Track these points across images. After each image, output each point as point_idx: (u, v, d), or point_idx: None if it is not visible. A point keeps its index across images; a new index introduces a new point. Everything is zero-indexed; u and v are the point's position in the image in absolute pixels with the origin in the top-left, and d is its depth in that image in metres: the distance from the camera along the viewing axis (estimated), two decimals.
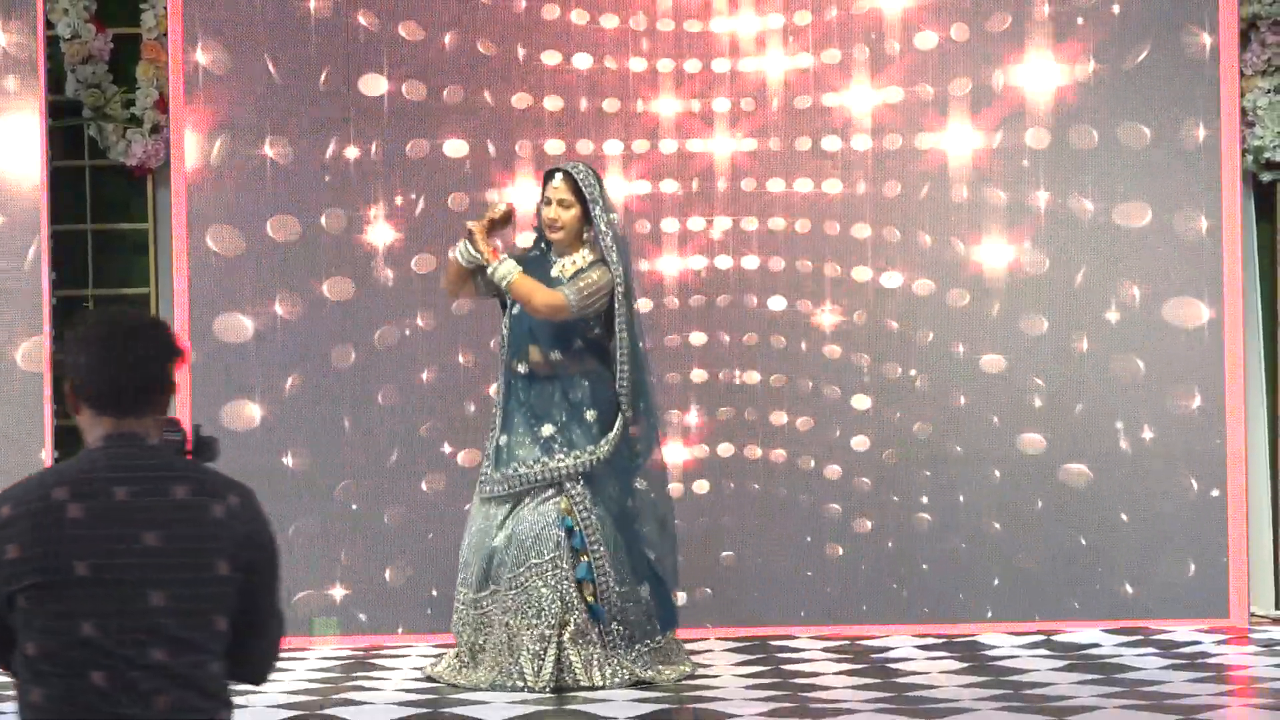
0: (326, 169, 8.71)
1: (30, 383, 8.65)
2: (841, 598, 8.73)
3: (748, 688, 7.34)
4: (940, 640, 8.47)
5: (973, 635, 8.57)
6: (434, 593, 8.59)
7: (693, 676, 7.51)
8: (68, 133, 9.09)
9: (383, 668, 7.96)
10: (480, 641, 7.52)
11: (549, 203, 7.57)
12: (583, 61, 8.74)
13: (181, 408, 8.58)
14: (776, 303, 8.77)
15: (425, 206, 8.69)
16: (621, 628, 7.47)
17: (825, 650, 8.22)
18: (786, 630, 8.67)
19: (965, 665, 7.81)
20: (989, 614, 8.70)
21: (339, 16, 8.67)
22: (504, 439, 7.57)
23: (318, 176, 8.71)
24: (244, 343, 8.67)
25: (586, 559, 7.43)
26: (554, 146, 8.72)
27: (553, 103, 8.74)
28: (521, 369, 7.58)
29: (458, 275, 7.67)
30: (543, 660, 7.32)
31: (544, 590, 7.38)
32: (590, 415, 7.55)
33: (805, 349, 8.76)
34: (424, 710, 6.93)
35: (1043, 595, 8.72)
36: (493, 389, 8.01)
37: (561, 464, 7.48)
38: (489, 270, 7.46)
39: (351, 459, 8.67)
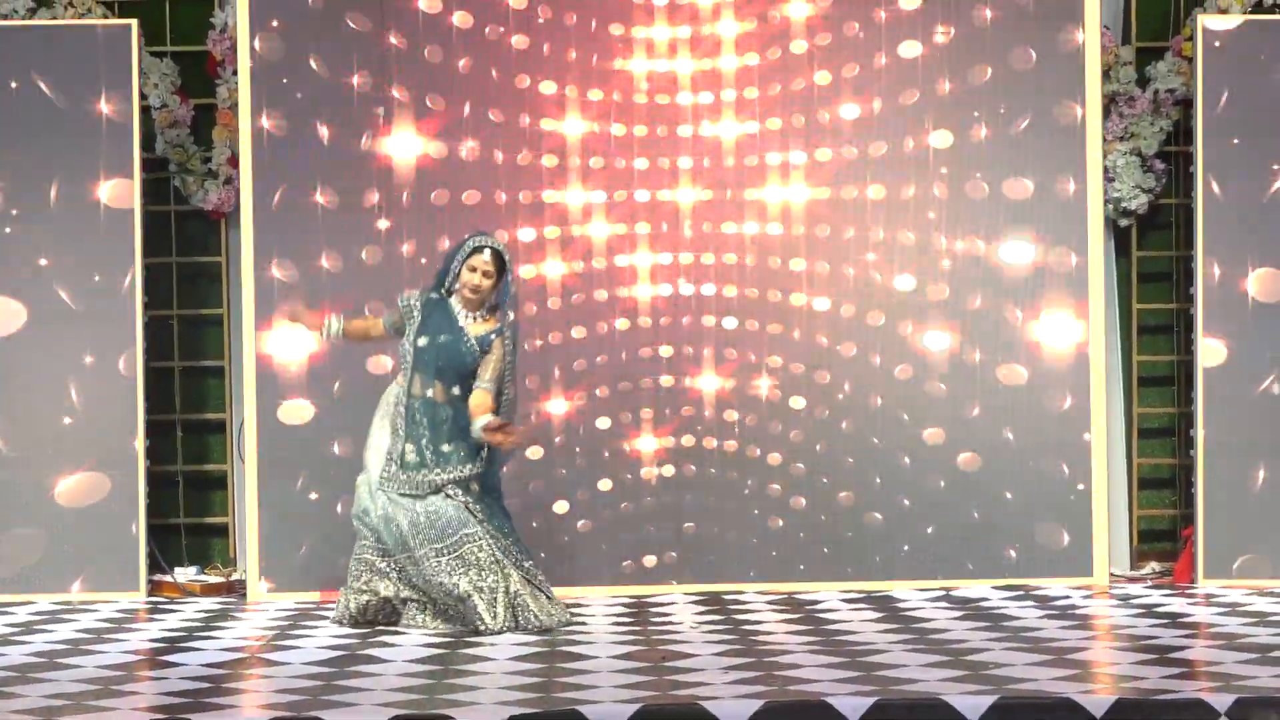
0: (366, 213, 8.70)
1: (127, 384, 8.65)
2: (782, 560, 8.73)
3: (705, 633, 7.34)
4: (861, 595, 8.47)
5: (887, 591, 8.57)
6: None
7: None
8: (157, 183, 9.09)
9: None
10: (405, 595, 7.60)
11: (474, 270, 7.56)
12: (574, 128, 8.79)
13: (248, 407, 8.62)
14: (729, 322, 8.78)
15: (446, 245, 8.60)
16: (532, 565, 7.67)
17: (768, 603, 8.22)
18: (737, 586, 8.67)
19: (881, 615, 7.80)
20: (900, 573, 8.70)
21: (377, 90, 8.69)
22: (409, 447, 7.54)
23: (359, 219, 8.70)
24: (299, 354, 8.66)
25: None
26: (551, 196, 8.73)
27: (550, 160, 8.76)
28: (429, 393, 7.58)
29: (365, 334, 7.89)
30: (496, 606, 7.41)
31: (480, 555, 7.46)
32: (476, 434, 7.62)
33: (753, 360, 8.77)
34: (444, 650, 6.94)
35: (943, 558, 8.71)
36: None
37: (458, 473, 7.53)
38: (476, 428, 7.46)
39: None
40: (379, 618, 7.67)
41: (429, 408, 7.58)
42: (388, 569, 7.62)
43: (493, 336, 7.60)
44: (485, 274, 7.57)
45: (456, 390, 7.59)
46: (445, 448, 7.55)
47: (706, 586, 8.66)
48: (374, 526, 7.63)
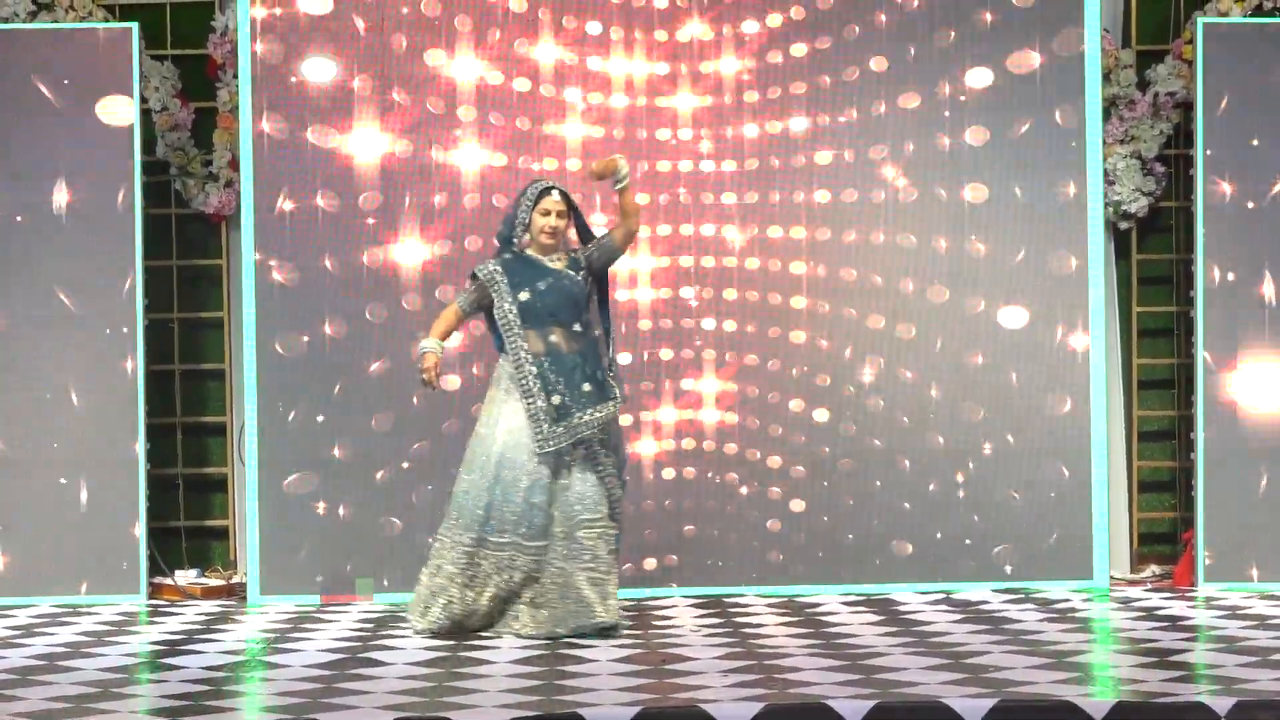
0: (366, 215, 8.71)
1: (128, 387, 8.64)
2: (782, 563, 8.74)
3: (706, 636, 7.35)
4: (861, 598, 8.48)
5: (887, 594, 8.58)
6: None
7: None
8: (158, 187, 9.09)
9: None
10: (507, 587, 7.42)
11: (547, 213, 7.52)
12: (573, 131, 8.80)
13: (246, 409, 8.62)
14: (729, 325, 8.79)
15: (446, 248, 8.71)
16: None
17: (769, 606, 8.23)
18: (737, 589, 8.68)
19: (881, 618, 7.81)
20: (900, 576, 8.71)
21: (375, 94, 8.71)
22: (555, 399, 7.40)
23: (358, 221, 8.70)
24: (299, 356, 8.67)
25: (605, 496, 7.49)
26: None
27: (550, 163, 8.77)
28: (552, 340, 7.47)
29: (455, 323, 7.66)
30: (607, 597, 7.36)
31: (595, 542, 7.38)
32: (600, 373, 7.53)
33: (753, 363, 8.78)
34: (446, 654, 6.95)
35: (944, 561, 8.72)
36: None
37: (603, 411, 7.44)
38: (622, 175, 7.46)
39: (386, 450, 8.67)
40: (476, 623, 7.48)
41: (555, 359, 7.47)
42: (502, 561, 7.44)
43: (576, 252, 7.59)
44: (559, 214, 7.54)
45: (578, 327, 7.53)
46: (586, 387, 7.44)
47: (707, 589, 8.66)
48: (491, 507, 7.42)
